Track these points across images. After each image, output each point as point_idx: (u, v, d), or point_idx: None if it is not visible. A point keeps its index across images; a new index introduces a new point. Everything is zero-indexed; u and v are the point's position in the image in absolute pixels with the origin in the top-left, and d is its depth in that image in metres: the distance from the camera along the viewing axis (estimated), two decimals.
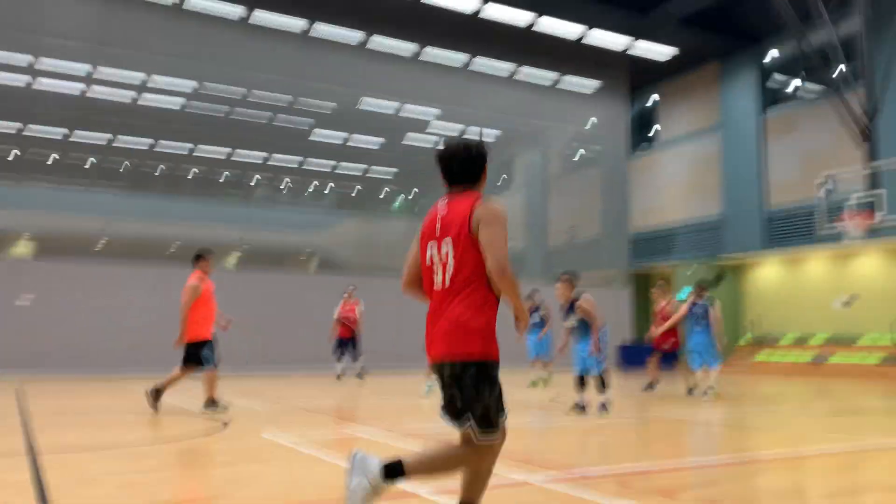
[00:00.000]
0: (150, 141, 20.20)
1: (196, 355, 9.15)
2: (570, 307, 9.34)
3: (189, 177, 20.60)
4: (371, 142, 22.26)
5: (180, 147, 20.15)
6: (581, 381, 9.39)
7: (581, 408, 9.26)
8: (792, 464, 5.89)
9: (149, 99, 19.05)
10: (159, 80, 19.07)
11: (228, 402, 9.59)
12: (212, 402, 9.15)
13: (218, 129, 19.61)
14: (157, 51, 18.50)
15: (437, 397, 3.64)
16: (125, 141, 20.37)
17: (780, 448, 6.94)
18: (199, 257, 9.40)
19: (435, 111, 22.62)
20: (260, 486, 4.84)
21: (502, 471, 5.28)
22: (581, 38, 21.80)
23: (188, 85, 19.41)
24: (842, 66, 16.39)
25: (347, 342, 15.97)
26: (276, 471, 5.39)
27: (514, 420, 8.54)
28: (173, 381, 9.23)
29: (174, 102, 19.56)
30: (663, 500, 4.38)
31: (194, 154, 20.45)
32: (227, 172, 21.02)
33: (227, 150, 20.54)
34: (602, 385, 9.34)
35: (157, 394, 9.13)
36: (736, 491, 4.73)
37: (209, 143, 20.03)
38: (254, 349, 18.29)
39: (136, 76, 18.69)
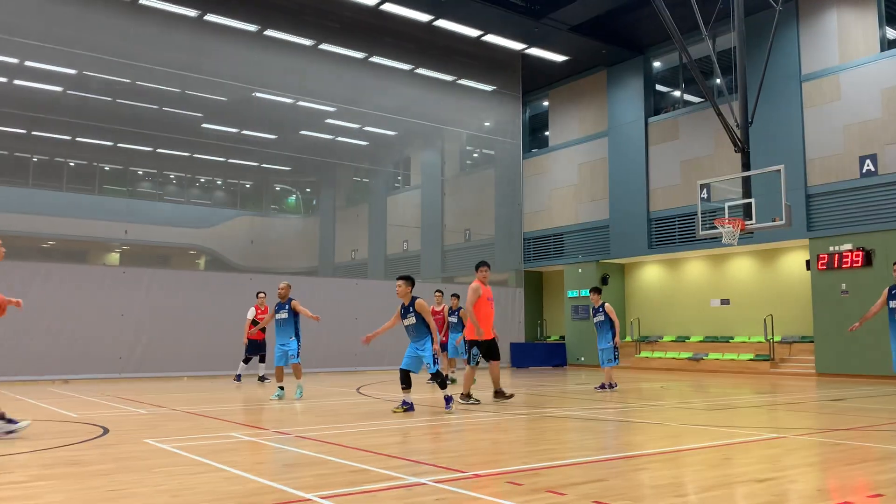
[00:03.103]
0: (23, 130, 18.94)
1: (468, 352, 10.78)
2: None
3: (71, 166, 19.48)
4: (264, 137, 21.73)
5: (58, 136, 18.98)
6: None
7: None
8: (673, 458, 6.17)
9: (23, 85, 17.85)
10: (36, 66, 17.92)
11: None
12: (468, 396, 10.63)
13: (100, 118, 18.58)
14: (32, 35, 17.38)
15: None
16: None
17: (662, 443, 7.25)
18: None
19: (331, 108, 22.34)
20: (141, 495, 4.62)
21: (394, 472, 5.27)
22: (478, 40, 22.10)
23: (67, 72, 18.34)
24: (719, 79, 17.33)
25: (261, 345, 15.80)
26: (159, 479, 5.17)
27: (405, 421, 8.56)
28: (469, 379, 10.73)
29: (52, 90, 18.42)
30: (552, 498, 4.48)
31: (76, 140, 19.30)
32: (107, 167, 20.00)
33: (109, 142, 19.53)
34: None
35: (499, 394, 10.95)
36: (621, 486, 4.90)
37: (90, 133, 18.95)
38: (136, 350, 17.51)
39: (10, 61, 17.48)
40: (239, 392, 13.54)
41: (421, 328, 9.73)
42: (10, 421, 7.29)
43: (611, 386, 13.41)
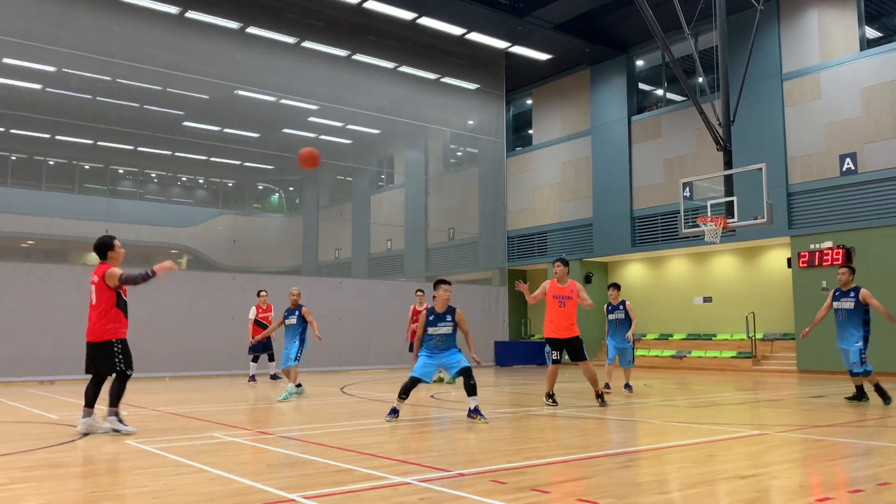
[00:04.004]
0: (1, 129, 18.70)
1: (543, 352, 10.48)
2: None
3: (51, 164, 19.26)
4: (246, 135, 21.59)
5: (37, 134, 18.76)
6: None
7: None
8: (657, 455, 6.19)
9: (2, 83, 17.61)
10: (15, 63, 17.69)
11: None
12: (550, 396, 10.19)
13: (80, 116, 18.38)
14: (11, 32, 17.18)
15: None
16: None
17: (646, 440, 7.28)
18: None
19: (314, 106, 22.24)
20: (123, 497, 4.57)
21: (379, 471, 5.25)
22: (461, 38, 22.11)
23: (46, 70, 18.13)
24: (701, 78, 17.44)
25: (267, 343, 15.73)
26: (141, 480, 5.12)
27: (392, 421, 8.53)
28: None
29: (31, 87, 18.19)
30: (536, 496, 4.48)
31: (56, 139, 19.06)
32: (87, 166, 19.79)
33: (90, 140, 19.32)
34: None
35: (600, 397, 10.27)
36: (605, 483, 4.91)
37: (70, 132, 18.73)
38: None
39: None
40: (225, 392, 13.45)
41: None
42: (121, 421, 7.54)
43: (606, 386, 12.48)
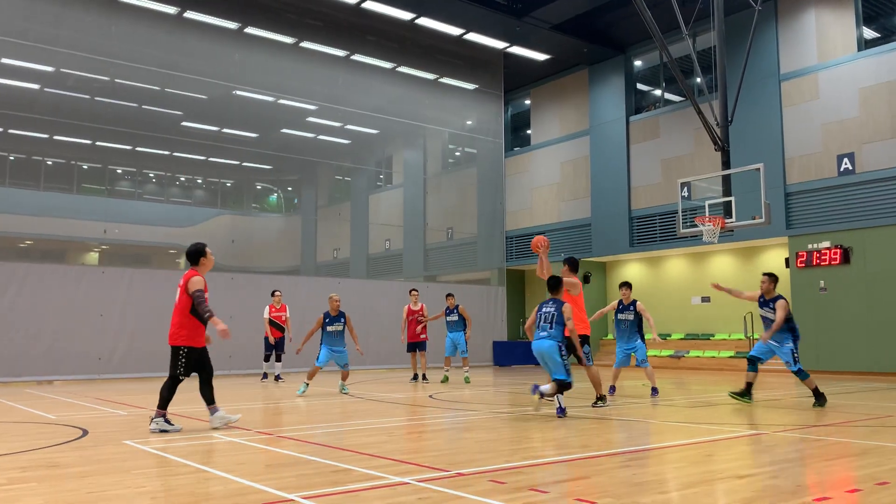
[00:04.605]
0: (0, 128, 18.68)
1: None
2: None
3: (49, 164, 19.23)
4: (245, 135, 21.57)
5: (36, 134, 18.74)
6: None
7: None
8: (655, 455, 6.20)
9: (0, 83, 17.58)
10: (13, 63, 17.67)
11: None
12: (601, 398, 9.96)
13: (78, 116, 18.36)
14: (9, 32, 17.16)
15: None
16: None
17: (644, 440, 7.29)
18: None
19: (312, 106, 22.24)
20: (120, 498, 4.57)
21: (377, 471, 5.26)
22: (460, 38, 22.12)
23: (45, 70, 18.10)
24: (699, 78, 17.45)
25: (280, 343, 15.98)
26: (139, 481, 5.12)
27: (387, 420, 8.54)
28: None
29: (29, 87, 18.17)
30: (534, 496, 4.49)
31: (54, 139, 19.03)
32: (85, 166, 19.76)
33: (88, 140, 19.29)
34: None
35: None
36: (603, 483, 4.92)
37: (68, 132, 18.70)
38: (116, 351, 17.35)
39: None
40: (222, 392, 13.43)
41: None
42: (168, 421, 7.77)
43: (612, 389, 12.41)
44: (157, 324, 17.65)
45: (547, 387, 8.69)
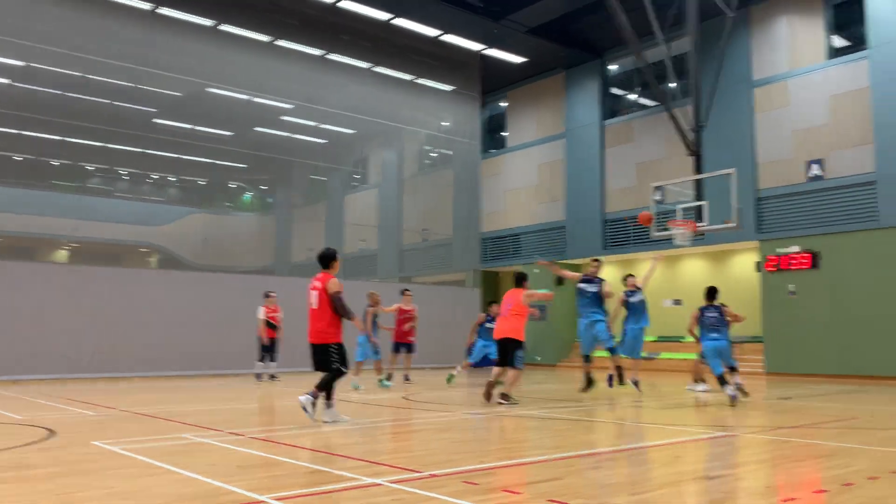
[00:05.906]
0: None
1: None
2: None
3: (19, 160, 18.92)
4: (218, 133, 21.40)
5: (5, 130, 18.43)
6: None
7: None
8: (626, 456, 6.25)
9: None
10: None
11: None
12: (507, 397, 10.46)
13: (49, 112, 18.09)
14: None
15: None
16: None
17: (616, 441, 7.35)
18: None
19: (288, 105, 22.11)
20: (91, 499, 4.51)
21: (350, 472, 5.25)
22: (436, 39, 22.11)
23: (14, 64, 17.81)
24: (673, 83, 17.63)
25: (273, 344, 15.91)
26: (109, 482, 5.06)
27: (361, 421, 8.51)
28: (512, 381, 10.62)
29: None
30: (507, 497, 4.50)
31: (23, 134, 18.74)
32: (56, 162, 19.47)
33: (58, 136, 19.01)
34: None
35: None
36: (575, 484, 4.95)
37: (39, 127, 18.42)
38: (85, 350, 17.08)
39: None
40: (193, 393, 13.32)
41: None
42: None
43: (622, 379, 13.07)
44: (127, 323, 17.48)
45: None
